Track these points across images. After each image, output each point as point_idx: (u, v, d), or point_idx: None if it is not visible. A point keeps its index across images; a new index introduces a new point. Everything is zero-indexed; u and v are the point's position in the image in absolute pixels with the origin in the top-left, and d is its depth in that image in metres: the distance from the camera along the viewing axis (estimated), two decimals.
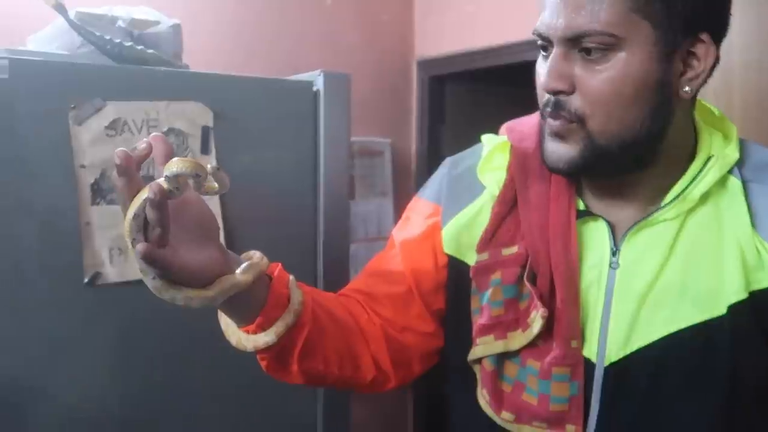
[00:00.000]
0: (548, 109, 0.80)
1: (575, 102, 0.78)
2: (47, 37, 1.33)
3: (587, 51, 0.77)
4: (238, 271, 0.78)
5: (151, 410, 1.21)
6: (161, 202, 0.66)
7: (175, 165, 0.68)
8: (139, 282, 0.88)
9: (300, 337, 0.84)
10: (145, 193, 0.68)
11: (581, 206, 0.87)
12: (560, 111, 0.78)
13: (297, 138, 1.34)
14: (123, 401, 1.18)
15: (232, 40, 1.96)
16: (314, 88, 1.35)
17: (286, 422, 1.37)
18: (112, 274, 1.15)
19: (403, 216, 1.02)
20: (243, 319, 0.82)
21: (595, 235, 0.85)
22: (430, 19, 2.38)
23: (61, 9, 1.19)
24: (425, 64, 2.42)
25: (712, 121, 0.88)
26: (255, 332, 0.82)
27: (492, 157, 0.94)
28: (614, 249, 0.84)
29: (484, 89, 2.52)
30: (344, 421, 1.44)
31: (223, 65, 1.88)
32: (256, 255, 0.82)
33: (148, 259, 0.67)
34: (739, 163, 0.83)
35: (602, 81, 0.76)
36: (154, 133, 0.75)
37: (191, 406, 1.25)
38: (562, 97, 0.78)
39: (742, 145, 0.85)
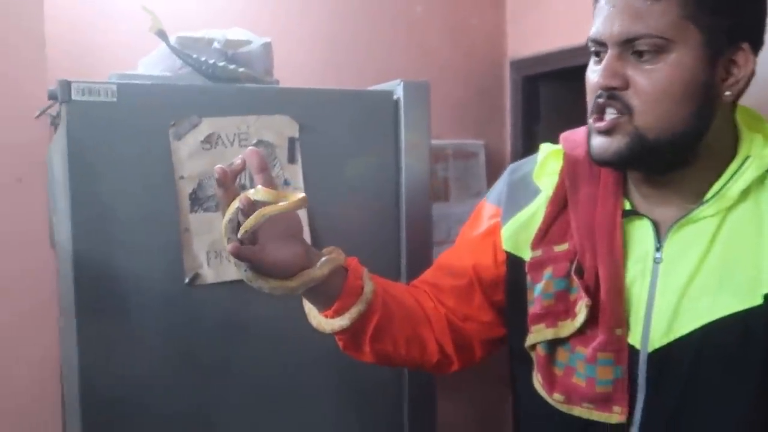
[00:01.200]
0: (600, 101, 0.86)
1: (627, 97, 0.84)
2: (153, 61, 1.48)
3: (640, 53, 0.83)
4: (317, 265, 0.91)
5: (243, 401, 1.32)
6: (249, 210, 0.81)
7: (260, 194, 0.83)
8: (233, 282, 1.01)
9: (371, 322, 0.97)
10: (236, 204, 0.83)
11: (627, 206, 0.93)
12: (613, 101, 0.85)
13: (379, 145, 1.42)
14: (219, 390, 1.30)
15: (324, 54, 2.06)
16: (394, 97, 1.41)
17: (372, 420, 1.45)
18: (209, 275, 1.27)
19: (471, 216, 1.10)
20: (322, 306, 0.96)
21: (640, 233, 0.91)
22: (521, 20, 2.38)
23: (162, 35, 1.33)
24: (518, 65, 2.42)
25: (754, 124, 0.92)
26: (332, 317, 0.95)
27: (547, 163, 1.01)
28: (658, 245, 0.90)
29: (578, 87, 2.49)
30: (431, 421, 1.50)
31: (314, 79, 1.99)
32: (334, 251, 0.96)
33: (237, 255, 0.83)
34: None
35: (654, 80, 0.83)
36: (250, 148, 0.88)
37: (281, 397, 1.35)
38: (616, 93, 0.85)
39: None
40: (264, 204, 0.82)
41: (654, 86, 0.83)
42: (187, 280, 1.25)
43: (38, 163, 1.66)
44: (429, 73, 2.24)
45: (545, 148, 1.03)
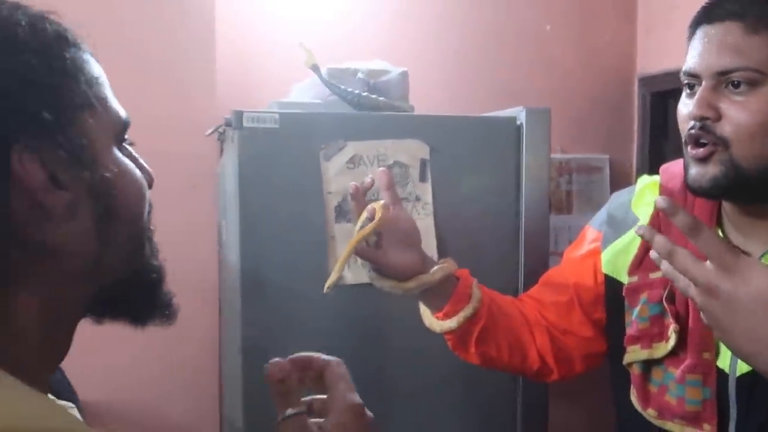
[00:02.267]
0: (693, 132, 0.92)
1: (720, 128, 0.90)
2: (306, 88, 1.72)
3: (735, 85, 0.89)
4: (431, 271, 1.11)
5: (375, 392, 1.53)
6: (372, 219, 1.05)
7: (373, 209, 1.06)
8: (369, 284, 1.23)
9: (477, 326, 1.14)
10: (364, 214, 1.07)
11: (720, 236, 0.99)
12: (705, 133, 0.91)
13: (502, 165, 1.58)
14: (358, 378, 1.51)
15: (455, 79, 2.24)
16: (517, 122, 1.57)
17: (488, 421, 1.62)
18: (349, 277, 1.49)
19: (576, 239, 1.22)
20: (435, 308, 1.15)
21: None
22: (652, 36, 2.44)
23: (316, 69, 1.56)
24: (646, 81, 2.48)
25: None
26: (442, 319, 1.13)
27: (643, 193, 1.11)
28: None
29: None
30: (543, 424, 1.65)
31: (446, 102, 2.17)
32: (447, 261, 1.15)
33: (361, 256, 1.06)
34: None
35: (748, 111, 0.88)
36: (380, 168, 1.10)
37: (405, 390, 1.55)
38: (708, 123, 0.91)
39: None
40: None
41: (749, 117, 0.88)
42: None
43: (209, 173, 1.96)
44: (557, 88, 2.37)
45: (643, 179, 1.13)
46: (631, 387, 1.07)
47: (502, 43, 2.30)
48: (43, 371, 0.58)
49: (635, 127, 2.53)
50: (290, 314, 1.45)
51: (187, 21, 1.92)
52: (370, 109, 1.55)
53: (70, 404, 0.70)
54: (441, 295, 1.13)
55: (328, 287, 1.05)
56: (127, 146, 0.65)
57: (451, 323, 1.12)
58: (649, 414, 1.03)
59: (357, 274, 1.49)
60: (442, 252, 1.49)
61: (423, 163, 1.51)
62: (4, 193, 0.52)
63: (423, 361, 1.55)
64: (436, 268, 1.12)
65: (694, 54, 0.94)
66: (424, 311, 1.19)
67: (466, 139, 1.55)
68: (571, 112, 2.38)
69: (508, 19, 2.31)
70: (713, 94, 0.91)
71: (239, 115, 1.41)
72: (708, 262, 0.75)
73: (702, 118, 0.91)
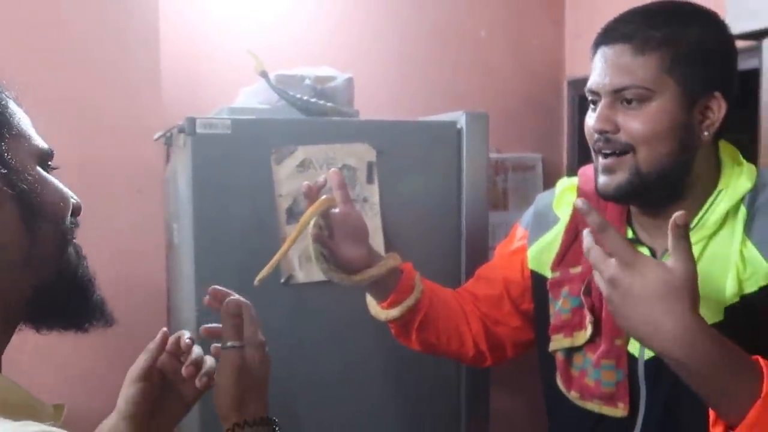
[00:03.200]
0: (599, 144, 1.06)
1: (622, 137, 1.04)
2: (253, 92, 1.80)
3: (628, 101, 1.03)
4: (377, 265, 1.23)
5: (330, 378, 1.63)
6: (326, 215, 1.17)
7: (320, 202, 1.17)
8: (320, 282, 1.33)
9: (418, 315, 1.27)
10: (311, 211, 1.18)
11: (630, 234, 1.13)
12: (608, 144, 1.05)
13: (444, 166, 1.69)
14: (310, 372, 1.60)
15: (397, 83, 2.34)
16: (458, 126, 1.69)
17: (433, 405, 1.73)
18: (301, 276, 1.57)
19: (507, 237, 1.36)
20: (380, 298, 1.28)
21: None
22: (579, 41, 2.61)
23: (265, 76, 1.64)
24: (575, 84, 2.65)
25: (736, 158, 1.09)
26: (387, 308, 1.26)
27: (563, 195, 1.25)
28: None
29: None
30: (485, 408, 1.78)
31: (390, 105, 2.28)
32: (392, 256, 1.28)
33: (316, 239, 1.17)
34: (754, 192, 1.05)
35: (640, 122, 1.02)
36: (332, 169, 1.24)
37: (354, 377, 1.65)
38: (609, 136, 1.04)
39: (762, 176, 1.07)
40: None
41: (640, 127, 1.01)
42: (282, 280, 1.56)
43: (155, 177, 2.01)
44: (493, 90, 2.52)
45: (562, 182, 1.27)
46: (557, 372, 1.20)
47: (441, 48, 2.42)
48: None
49: (565, 127, 2.70)
50: None
51: (131, 24, 1.96)
52: (318, 114, 1.64)
53: (61, 403, 0.76)
54: (386, 286, 1.25)
55: (259, 280, 1.14)
56: (53, 174, 0.78)
57: (395, 312, 1.25)
58: (573, 396, 1.16)
59: (308, 272, 1.58)
60: (389, 249, 1.60)
61: (370, 166, 1.61)
62: None
63: (371, 352, 1.65)
64: (382, 261, 1.23)
65: (594, 73, 1.08)
66: (370, 301, 1.31)
67: (409, 142, 1.66)
68: (506, 113, 2.53)
69: (448, 25, 2.43)
70: (611, 110, 1.04)
71: (192, 121, 1.47)
72: (612, 259, 0.89)
73: (602, 131, 1.05)
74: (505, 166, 2.64)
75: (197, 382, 0.95)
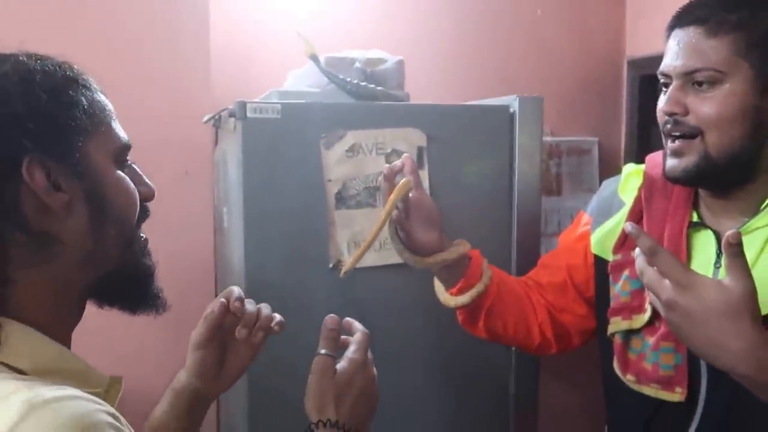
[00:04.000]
0: (668, 126, 1.08)
1: (691, 120, 1.05)
2: (302, 75, 1.81)
3: (699, 83, 1.04)
4: (449, 250, 1.27)
5: (377, 366, 1.64)
6: (404, 198, 1.21)
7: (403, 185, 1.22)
8: (368, 268, 1.35)
9: (486, 302, 1.30)
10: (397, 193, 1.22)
11: (695, 218, 1.14)
12: (678, 126, 1.06)
13: (495, 151, 1.68)
14: None
15: (449, 65, 2.32)
16: (511, 110, 1.67)
17: (479, 399, 1.74)
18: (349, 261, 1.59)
19: (571, 224, 1.36)
20: (449, 284, 1.31)
21: (704, 242, 1.12)
22: (641, 20, 2.55)
23: (315, 59, 1.65)
24: (636, 64, 2.59)
25: None
26: (456, 294, 1.29)
27: (629, 180, 1.26)
28: (719, 252, 1.09)
29: None
30: (534, 399, 1.78)
31: (441, 89, 2.26)
32: (462, 242, 1.31)
33: (398, 222, 1.23)
34: None
35: (711, 105, 1.03)
36: (405, 154, 1.29)
37: (405, 364, 1.67)
38: (678, 118, 1.06)
39: None
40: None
41: (711, 111, 1.03)
42: (331, 265, 1.58)
43: (203, 160, 2.04)
44: (547, 71, 2.48)
45: (628, 167, 1.28)
46: (614, 356, 1.20)
47: (494, 29, 2.39)
48: (57, 326, 0.77)
49: (623, 109, 2.65)
50: (294, 299, 1.55)
51: (181, 7, 1.99)
52: (368, 98, 1.65)
53: (119, 375, 0.83)
54: (455, 272, 1.28)
55: (344, 272, 1.18)
56: (131, 164, 0.85)
57: (464, 298, 1.28)
58: (629, 379, 1.17)
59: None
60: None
61: (420, 151, 1.60)
62: (16, 193, 0.72)
63: (420, 340, 1.66)
64: (453, 247, 1.26)
65: (667, 56, 1.09)
66: (438, 288, 1.35)
67: (461, 126, 1.65)
68: (561, 95, 2.49)
69: (501, 4, 2.40)
70: (681, 92, 1.06)
71: (242, 105, 1.50)
72: (667, 281, 0.89)
73: (672, 114, 1.06)
74: (560, 149, 2.60)
75: (253, 339, 1.05)
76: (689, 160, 1.06)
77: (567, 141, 2.59)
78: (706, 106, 1.03)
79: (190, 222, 2.04)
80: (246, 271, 1.54)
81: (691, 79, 1.04)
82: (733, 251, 0.87)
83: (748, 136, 1.03)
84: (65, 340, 0.78)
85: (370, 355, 1.02)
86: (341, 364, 0.98)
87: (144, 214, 0.86)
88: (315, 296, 1.57)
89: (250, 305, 1.06)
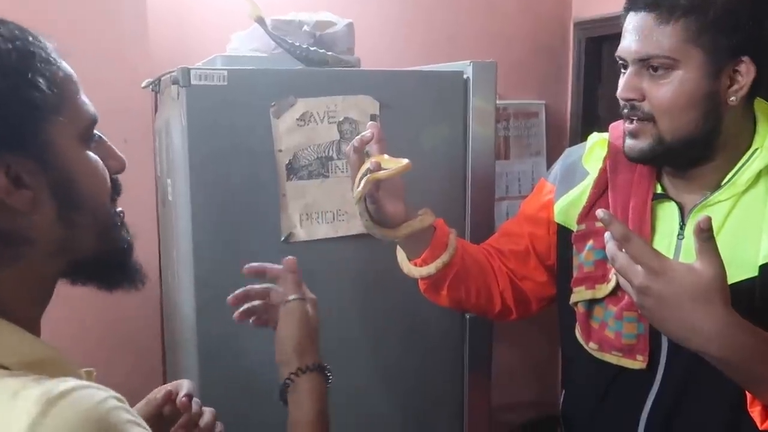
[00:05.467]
0: (625, 111, 1.09)
1: (646, 106, 1.07)
2: (247, 38, 1.75)
3: (654, 69, 1.05)
4: (416, 219, 1.25)
5: (331, 335, 1.63)
6: (376, 169, 1.17)
7: (386, 162, 1.17)
8: (320, 240, 1.34)
9: (451, 271, 1.29)
10: (367, 165, 1.17)
11: (659, 190, 1.16)
12: (634, 111, 1.08)
13: (449, 118, 1.67)
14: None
15: (398, 29, 2.29)
16: (464, 76, 1.65)
17: (437, 360, 1.75)
18: (301, 233, 1.56)
19: (532, 191, 1.37)
20: (413, 254, 1.30)
21: (668, 213, 1.14)
22: None
23: (262, 22, 1.59)
24: (582, 26, 2.60)
25: None
26: (420, 265, 1.28)
27: (594, 149, 1.27)
28: (681, 224, 1.12)
29: None
30: (487, 362, 1.80)
31: (390, 53, 2.23)
32: (427, 211, 1.29)
33: (372, 198, 1.19)
34: None
35: (665, 92, 1.05)
36: (371, 122, 1.24)
37: (359, 337, 1.66)
38: (635, 103, 1.08)
39: None
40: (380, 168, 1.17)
41: (666, 96, 1.04)
42: (283, 238, 1.55)
43: (143, 128, 1.97)
44: (495, 34, 2.47)
45: (593, 137, 1.28)
46: (576, 324, 1.23)
47: None
48: (30, 317, 0.75)
49: (570, 72, 2.67)
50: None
51: None
52: (319, 64, 1.60)
53: (91, 368, 0.81)
54: (420, 242, 1.28)
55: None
56: (99, 138, 0.79)
57: (430, 269, 1.28)
58: (591, 347, 1.19)
59: (309, 230, 1.57)
60: None
61: (373, 118, 1.57)
62: None
63: (373, 309, 1.66)
64: (420, 216, 1.25)
65: (623, 39, 1.09)
66: (402, 259, 1.33)
67: (414, 93, 1.62)
68: (508, 58, 2.48)
69: None
70: (637, 78, 1.07)
71: (186, 71, 1.43)
72: (639, 267, 0.91)
73: (628, 99, 1.08)
74: (507, 113, 2.61)
75: None
76: (644, 143, 1.09)
77: (514, 104, 2.60)
78: (660, 93, 1.05)
79: (132, 194, 1.94)
80: (194, 245, 1.49)
81: (647, 65, 1.06)
82: (704, 236, 0.89)
83: (701, 121, 1.05)
84: (35, 329, 0.76)
85: None
86: (308, 306, 1.03)
87: (117, 188, 0.81)
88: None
89: (195, 406, 1.05)
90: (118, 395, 0.68)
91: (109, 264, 0.81)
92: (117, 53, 1.92)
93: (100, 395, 0.65)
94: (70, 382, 0.65)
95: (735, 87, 1.05)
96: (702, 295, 0.88)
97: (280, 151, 1.52)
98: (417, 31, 2.32)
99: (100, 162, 0.77)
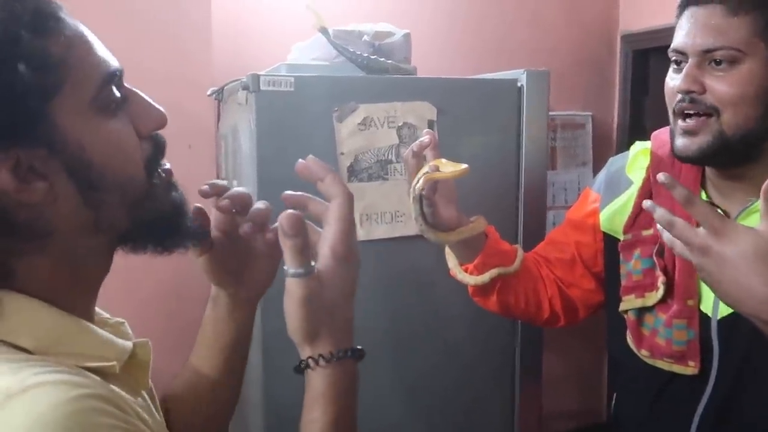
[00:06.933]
0: (683, 104, 1.08)
1: (708, 99, 1.06)
2: (308, 48, 1.83)
3: (717, 62, 1.05)
4: (469, 225, 1.26)
5: (386, 338, 1.69)
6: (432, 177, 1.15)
7: (444, 165, 1.17)
8: (379, 240, 1.37)
9: (502, 278, 1.30)
10: (425, 169, 1.17)
11: (703, 197, 1.16)
12: (693, 105, 1.07)
13: (503, 124, 1.73)
14: (363, 329, 1.67)
15: (454, 40, 2.37)
16: (518, 84, 1.72)
17: (488, 365, 1.80)
18: (361, 234, 1.63)
19: (577, 200, 1.40)
20: (465, 259, 1.30)
21: None
22: None
23: (325, 32, 1.68)
24: (629, 38, 2.65)
25: None
26: (473, 272, 1.29)
27: (636, 159, 1.28)
28: None
29: None
30: (537, 374, 1.84)
31: (446, 63, 2.30)
32: (480, 218, 1.30)
33: (429, 199, 1.17)
34: None
35: (729, 85, 1.05)
36: (427, 130, 1.27)
37: (413, 338, 1.72)
38: (695, 96, 1.07)
39: None
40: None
41: (729, 90, 1.04)
42: None
43: (206, 134, 2.07)
44: (543, 46, 2.53)
45: (636, 146, 1.29)
46: (627, 331, 1.24)
47: (488, 3, 2.43)
48: (80, 299, 0.70)
49: (617, 84, 2.71)
50: None
51: None
52: (379, 71, 1.68)
53: (121, 320, 0.79)
54: (472, 248, 1.29)
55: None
56: (126, 95, 0.70)
57: (484, 278, 1.29)
58: (643, 354, 1.20)
59: (368, 230, 1.64)
60: None
61: (430, 124, 1.64)
62: None
63: (427, 313, 1.72)
64: (472, 223, 1.28)
65: (682, 33, 1.09)
66: (455, 265, 1.34)
67: (469, 100, 1.69)
68: (556, 70, 2.52)
69: None
70: (698, 71, 1.07)
71: (256, 78, 1.52)
72: (700, 228, 0.92)
73: (688, 92, 1.07)
74: (554, 124, 2.66)
75: (266, 238, 0.87)
76: (703, 140, 1.08)
77: (562, 115, 2.65)
78: (724, 85, 1.05)
79: (195, 197, 2.06)
80: None
81: (709, 58, 1.05)
82: None
83: (762, 116, 1.06)
84: (84, 307, 0.71)
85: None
86: (317, 277, 0.73)
87: (159, 147, 0.73)
88: None
89: (260, 204, 0.89)
90: (109, 394, 0.61)
91: (158, 229, 0.74)
92: (182, 63, 2.03)
93: (70, 394, 0.57)
94: (49, 375, 0.59)
95: None
96: (762, 257, 0.88)
97: (342, 154, 1.60)
98: (467, 42, 2.39)
99: (125, 129, 0.69)
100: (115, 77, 0.68)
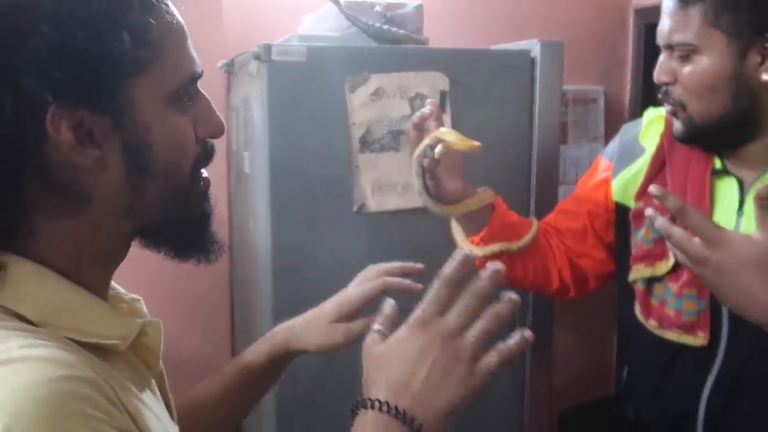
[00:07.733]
0: (661, 96, 1.12)
1: (677, 91, 1.09)
2: (319, 19, 1.82)
3: (680, 54, 1.08)
4: (474, 197, 1.27)
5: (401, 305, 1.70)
6: (435, 145, 1.15)
7: (448, 135, 1.16)
8: (391, 212, 1.37)
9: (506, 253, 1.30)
10: (426, 141, 1.17)
11: (718, 165, 1.16)
12: (667, 97, 1.11)
13: (516, 97, 1.72)
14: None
15: (462, 12, 2.35)
16: (531, 55, 1.71)
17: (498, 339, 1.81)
18: (373, 205, 1.63)
19: (589, 169, 1.39)
20: (471, 231, 1.31)
21: (727, 188, 1.14)
22: None
23: (337, 2, 1.67)
24: (642, 12, 2.62)
25: None
26: (478, 244, 1.29)
27: (650, 126, 1.28)
28: (741, 200, 1.12)
29: None
30: (548, 347, 1.85)
31: (458, 34, 2.28)
32: (486, 189, 1.29)
33: (431, 172, 1.18)
34: None
35: (689, 75, 1.07)
36: (430, 99, 1.25)
37: None
38: (668, 88, 1.10)
39: None
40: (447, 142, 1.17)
41: (691, 81, 1.06)
42: (355, 209, 1.62)
43: (216, 106, 2.05)
44: (554, 19, 2.50)
45: (650, 112, 1.29)
46: (635, 302, 1.24)
47: None
48: (94, 275, 0.71)
49: (629, 59, 2.69)
50: (319, 241, 1.60)
51: None
52: (390, 41, 1.67)
53: (137, 297, 0.81)
54: (478, 220, 1.29)
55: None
56: (197, 98, 0.73)
57: (494, 248, 1.29)
58: (651, 325, 1.20)
59: (380, 201, 1.64)
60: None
61: (443, 95, 1.64)
62: (39, 146, 0.63)
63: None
64: (478, 195, 1.27)
65: (659, 24, 1.13)
66: (462, 240, 1.34)
67: (482, 71, 1.68)
68: (568, 43, 2.50)
69: None
70: (669, 61, 1.10)
71: (267, 48, 1.51)
72: (696, 238, 0.93)
73: (662, 83, 1.10)
74: (566, 98, 2.64)
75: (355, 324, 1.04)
76: (679, 126, 1.12)
77: (573, 90, 2.62)
78: (686, 78, 1.07)
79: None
80: (271, 214, 1.58)
81: (674, 50, 1.09)
82: (764, 204, 0.90)
83: (730, 102, 1.06)
84: (97, 285, 0.71)
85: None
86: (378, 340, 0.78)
87: (207, 155, 0.75)
88: (341, 239, 1.62)
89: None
90: (94, 378, 0.59)
91: (181, 232, 0.75)
92: (193, 38, 2.00)
93: (53, 373, 0.56)
94: (36, 349, 0.58)
95: (766, 64, 1.04)
96: (762, 265, 0.89)
97: (354, 124, 1.59)
98: (478, 14, 2.37)
99: (189, 127, 0.72)
100: (196, 77, 0.72)
